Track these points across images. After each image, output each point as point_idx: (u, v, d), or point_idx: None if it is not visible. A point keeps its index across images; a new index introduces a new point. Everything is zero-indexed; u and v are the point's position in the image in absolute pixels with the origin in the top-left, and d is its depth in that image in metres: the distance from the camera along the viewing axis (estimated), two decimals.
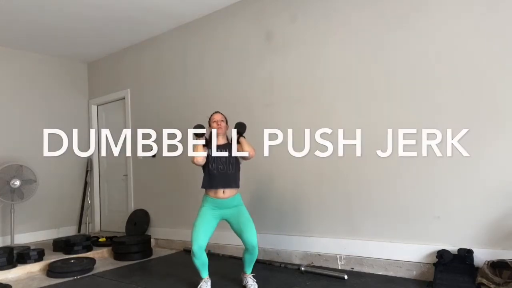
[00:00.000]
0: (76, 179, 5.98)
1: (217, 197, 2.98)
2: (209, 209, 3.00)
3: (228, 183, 2.98)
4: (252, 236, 2.90)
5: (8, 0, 4.02)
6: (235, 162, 3.04)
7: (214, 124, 3.07)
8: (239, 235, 2.96)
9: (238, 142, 3.05)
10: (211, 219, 2.97)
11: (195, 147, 2.99)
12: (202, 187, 3.05)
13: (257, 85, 4.10)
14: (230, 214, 3.00)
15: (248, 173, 4.04)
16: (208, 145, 3.06)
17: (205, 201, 3.04)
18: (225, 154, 3.02)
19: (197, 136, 2.99)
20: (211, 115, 3.14)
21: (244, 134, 3.10)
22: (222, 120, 3.10)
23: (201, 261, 2.93)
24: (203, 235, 2.90)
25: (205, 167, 3.03)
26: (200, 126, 3.00)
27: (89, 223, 5.93)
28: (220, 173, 2.98)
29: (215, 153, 3.02)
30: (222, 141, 3.10)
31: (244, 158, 3.05)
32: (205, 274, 3.00)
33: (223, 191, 2.98)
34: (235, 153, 3.04)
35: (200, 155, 2.94)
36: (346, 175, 3.46)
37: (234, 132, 3.06)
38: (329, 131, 3.57)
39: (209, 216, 2.97)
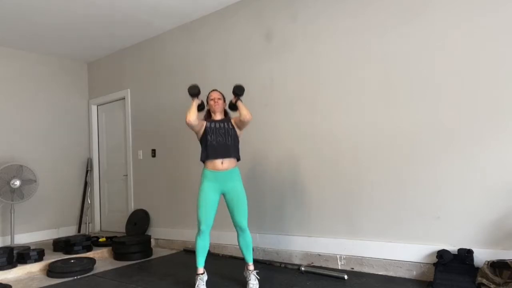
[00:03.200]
0: (76, 179, 5.99)
1: (216, 169, 2.99)
2: (209, 183, 2.99)
3: (228, 153, 3.00)
4: (243, 218, 2.96)
5: (8, 0, 4.02)
6: (234, 134, 3.06)
7: (212, 102, 3.11)
8: (231, 214, 3.01)
9: (235, 104, 3.08)
10: (212, 195, 2.98)
11: (190, 108, 2.98)
12: (201, 159, 3.05)
13: (257, 85, 4.10)
14: (229, 188, 3.00)
15: (248, 173, 4.05)
16: (206, 119, 3.12)
17: (204, 176, 3.03)
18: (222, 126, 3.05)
19: (192, 96, 3.03)
20: (209, 93, 3.17)
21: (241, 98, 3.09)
22: (219, 98, 3.13)
23: (204, 243, 2.97)
24: (210, 214, 2.95)
25: (203, 140, 3.05)
26: (194, 86, 3.03)
27: (89, 223, 5.94)
28: (220, 144, 3.00)
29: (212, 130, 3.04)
30: (220, 117, 3.14)
31: (241, 123, 3.05)
32: (201, 262, 3.00)
33: (222, 162, 2.99)
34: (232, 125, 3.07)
35: (192, 114, 2.93)
36: (346, 175, 3.46)
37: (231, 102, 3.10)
38: (329, 131, 3.58)
39: (211, 192, 2.98)
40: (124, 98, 5.70)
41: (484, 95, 2.82)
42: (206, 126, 3.05)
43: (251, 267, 3.04)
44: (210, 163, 3.01)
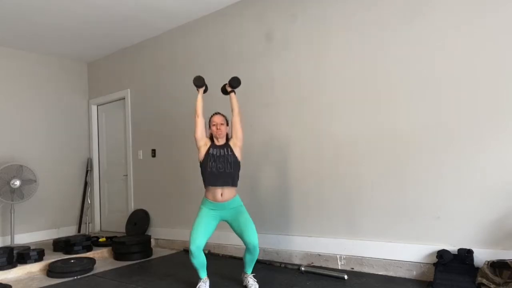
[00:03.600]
0: (76, 179, 5.99)
1: (216, 201, 2.97)
2: (208, 210, 3.00)
3: (227, 182, 2.98)
4: (253, 236, 2.90)
5: (8, 0, 4.02)
6: (233, 161, 3.03)
7: (214, 128, 3.05)
8: (240, 235, 2.96)
9: (228, 93, 3.14)
10: (210, 220, 2.97)
11: (196, 100, 3.11)
12: (204, 185, 3.04)
13: (257, 85, 4.10)
14: (229, 215, 3.00)
15: (248, 173, 4.05)
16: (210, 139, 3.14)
17: (203, 204, 3.04)
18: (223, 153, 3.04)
19: (198, 87, 3.13)
20: (211, 116, 3.11)
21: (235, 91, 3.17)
22: (222, 124, 3.06)
23: (199, 261, 2.92)
24: (201, 236, 2.89)
25: (203, 165, 3.04)
26: (198, 78, 3.14)
27: (89, 223, 5.94)
28: (219, 172, 2.98)
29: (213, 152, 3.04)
30: (221, 142, 3.09)
31: (235, 124, 3.06)
32: (203, 274, 3.00)
33: (221, 194, 2.96)
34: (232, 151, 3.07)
35: (199, 106, 3.09)
36: (346, 175, 3.46)
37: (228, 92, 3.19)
38: (328, 131, 3.58)
39: (209, 217, 2.97)
40: (124, 98, 5.70)
41: (484, 96, 2.82)
42: (209, 152, 3.02)
43: (248, 275, 3.07)
44: (211, 194, 2.99)
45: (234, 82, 3.08)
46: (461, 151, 2.90)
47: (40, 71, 5.70)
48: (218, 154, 3.02)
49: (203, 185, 3.06)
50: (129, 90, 5.59)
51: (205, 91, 3.23)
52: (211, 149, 3.03)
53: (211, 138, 3.13)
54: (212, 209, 2.99)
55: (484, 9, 2.84)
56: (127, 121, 5.59)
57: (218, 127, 3.04)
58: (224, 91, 3.20)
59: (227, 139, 3.14)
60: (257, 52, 4.12)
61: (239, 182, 3.10)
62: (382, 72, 3.29)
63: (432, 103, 3.03)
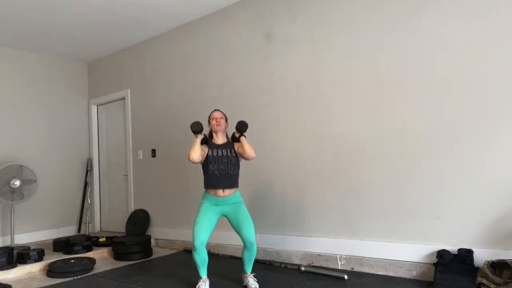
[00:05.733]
0: (76, 179, 5.99)
1: (217, 196, 2.99)
2: (209, 205, 3.00)
3: (230, 184, 2.98)
4: (250, 233, 2.92)
5: (8, 0, 4.02)
6: (236, 162, 3.04)
7: (214, 122, 3.05)
8: (238, 231, 2.98)
9: (238, 139, 3.05)
10: (211, 215, 2.98)
11: (193, 145, 2.95)
12: (205, 187, 3.04)
13: (257, 85, 4.10)
14: (229, 210, 3.01)
15: (248, 173, 4.05)
16: (207, 144, 3.06)
17: (205, 198, 3.05)
18: (224, 153, 3.02)
19: (195, 133, 2.98)
20: (211, 112, 3.14)
21: (245, 134, 3.09)
22: (221, 118, 3.07)
23: (202, 258, 2.93)
24: (204, 231, 2.91)
25: (205, 167, 3.02)
26: (196, 124, 2.98)
27: (89, 223, 5.94)
28: (222, 173, 2.97)
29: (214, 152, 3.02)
30: (222, 140, 3.08)
31: (243, 157, 3.04)
32: (204, 273, 3.00)
33: (223, 190, 2.98)
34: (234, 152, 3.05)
35: (196, 152, 2.90)
36: (346, 175, 3.46)
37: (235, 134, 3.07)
38: (329, 131, 3.58)
39: (210, 212, 2.98)
40: (124, 98, 5.70)
41: (484, 96, 2.82)
42: (208, 154, 3.01)
43: (248, 274, 3.07)
44: (212, 190, 3.00)
45: (241, 126, 3.02)
46: (461, 151, 2.90)
47: (40, 71, 5.70)
48: (219, 155, 3.00)
49: (203, 185, 3.06)
50: (129, 90, 5.59)
51: (203, 141, 3.03)
52: (209, 150, 3.01)
53: (210, 135, 3.13)
54: (213, 204, 3.00)
55: (487, 8, 2.83)
56: (127, 121, 5.59)
57: (218, 121, 3.04)
58: (235, 139, 3.10)
59: (227, 138, 3.14)
60: (257, 52, 4.12)
61: (239, 181, 3.11)
62: (382, 72, 3.29)
63: (432, 103, 3.03)
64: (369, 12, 3.37)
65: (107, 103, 6.01)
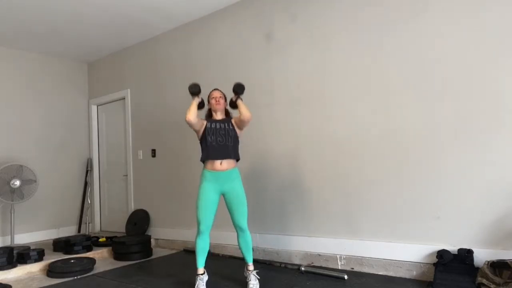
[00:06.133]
0: (76, 179, 5.99)
1: (215, 169, 2.98)
2: (208, 184, 2.99)
3: (227, 154, 2.99)
4: (242, 218, 2.96)
5: (8, 0, 4.02)
6: (234, 135, 3.06)
7: (213, 101, 3.10)
8: (230, 214, 3.01)
9: (235, 102, 3.07)
10: (212, 195, 2.98)
11: (190, 106, 2.97)
12: (201, 160, 3.05)
13: (257, 85, 4.10)
14: (228, 188, 3.00)
15: (248, 173, 4.05)
16: (206, 118, 3.12)
17: (203, 177, 3.03)
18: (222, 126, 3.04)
19: (193, 94, 3.02)
20: (210, 92, 3.17)
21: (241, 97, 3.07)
22: (220, 97, 3.12)
23: (204, 245, 2.97)
24: (209, 214, 2.95)
25: (203, 140, 3.05)
26: (194, 85, 3.02)
27: (89, 223, 5.94)
28: (219, 145, 2.99)
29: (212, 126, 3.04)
30: (221, 116, 3.13)
31: (241, 122, 3.03)
32: (201, 263, 3.01)
33: (221, 163, 2.98)
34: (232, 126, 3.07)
35: (192, 113, 2.93)
36: (346, 175, 3.46)
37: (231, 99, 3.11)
38: (329, 130, 3.58)
39: (210, 192, 2.98)
40: (124, 98, 5.70)
41: (484, 96, 2.82)
42: (206, 126, 3.04)
43: (251, 267, 3.04)
44: (210, 164, 3.01)
45: (238, 88, 3.04)
46: (461, 151, 2.90)
47: (40, 71, 5.70)
48: (217, 127, 3.03)
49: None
50: (129, 90, 5.59)
51: (201, 107, 3.09)
52: (208, 123, 3.05)
53: (210, 114, 3.15)
54: (211, 181, 2.98)
55: (487, 8, 2.83)
56: (127, 121, 5.59)
57: (217, 100, 3.09)
58: (233, 104, 3.12)
59: (227, 115, 3.18)
60: (257, 52, 4.12)
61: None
62: (382, 72, 3.29)
63: (432, 103, 3.03)
64: (368, 12, 3.37)
65: (107, 103, 6.01)
